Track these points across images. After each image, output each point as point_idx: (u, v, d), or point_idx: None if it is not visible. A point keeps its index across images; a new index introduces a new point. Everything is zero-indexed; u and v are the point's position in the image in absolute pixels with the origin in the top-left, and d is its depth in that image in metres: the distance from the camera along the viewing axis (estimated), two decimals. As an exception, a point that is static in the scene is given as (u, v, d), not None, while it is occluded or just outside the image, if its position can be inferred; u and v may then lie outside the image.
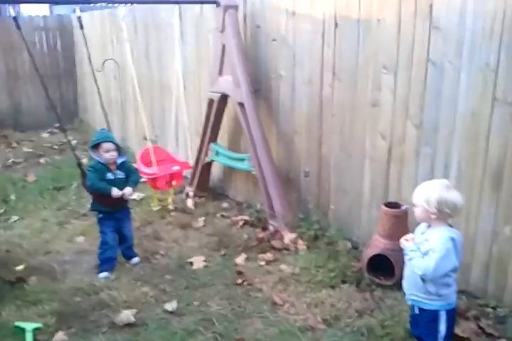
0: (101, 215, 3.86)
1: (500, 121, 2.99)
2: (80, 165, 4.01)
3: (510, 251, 3.04)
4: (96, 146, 3.73)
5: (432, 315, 2.47)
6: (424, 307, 2.49)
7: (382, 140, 3.67)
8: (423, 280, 2.43)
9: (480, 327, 2.88)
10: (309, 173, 4.34)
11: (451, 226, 2.50)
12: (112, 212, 3.83)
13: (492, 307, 3.09)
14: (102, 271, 3.77)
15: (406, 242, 2.49)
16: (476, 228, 3.19)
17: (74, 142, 7.69)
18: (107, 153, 3.70)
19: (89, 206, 5.05)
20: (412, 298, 2.55)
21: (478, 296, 3.22)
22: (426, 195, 2.41)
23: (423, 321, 2.52)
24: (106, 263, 3.82)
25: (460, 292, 3.21)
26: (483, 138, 3.08)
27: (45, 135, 8.57)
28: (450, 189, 2.40)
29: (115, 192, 3.69)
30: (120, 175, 3.81)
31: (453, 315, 2.50)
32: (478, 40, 3.01)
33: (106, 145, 3.70)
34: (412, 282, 2.50)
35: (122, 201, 3.81)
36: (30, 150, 7.64)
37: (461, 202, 2.40)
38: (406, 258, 2.49)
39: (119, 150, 3.80)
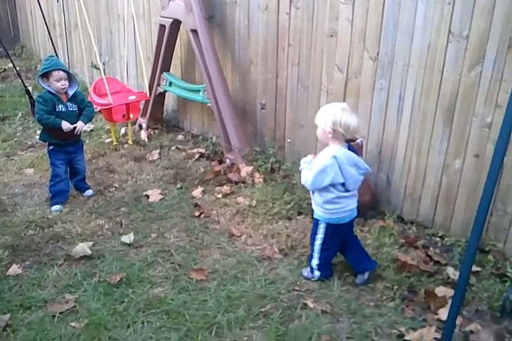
0: (51, 147, 3.71)
1: (454, 55, 2.99)
2: (28, 92, 3.78)
3: (458, 184, 3.17)
4: (46, 75, 3.51)
5: (315, 223, 2.82)
6: (313, 215, 2.84)
7: (339, 72, 3.64)
8: (313, 191, 2.75)
9: (428, 255, 3.04)
10: (266, 105, 4.29)
11: (349, 146, 2.72)
12: (63, 145, 3.70)
13: (440, 237, 3.25)
14: (54, 204, 3.71)
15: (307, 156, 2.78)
16: (427, 161, 3.28)
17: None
18: (58, 82, 3.50)
19: (37, 137, 4.90)
20: (314, 210, 2.84)
21: (427, 226, 3.38)
22: (324, 116, 2.65)
23: (313, 227, 2.87)
24: (58, 195, 3.75)
25: (410, 222, 3.41)
26: (438, 71, 3.10)
27: (-17, 61, 8.02)
28: (346, 111, 2.61)
29: (65, 126, 3.54)
30: (72, 107, 3.64)
31: (335, 230, 2.77)
32: (436, -29, 2.95)
33: (57, 74, 3.49)
34: (314, 202, 2.81)
35: (74, 134, 3.67)
36: (-32, 77, 7.18)
37: (355, 123, 2.60)
38: (300, 168, 2.77)
39: (71, 79, 3.60)
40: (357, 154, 2.73)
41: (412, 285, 2.79)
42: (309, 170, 2.66)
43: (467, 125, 3.04)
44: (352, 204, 2.76)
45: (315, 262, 2.86)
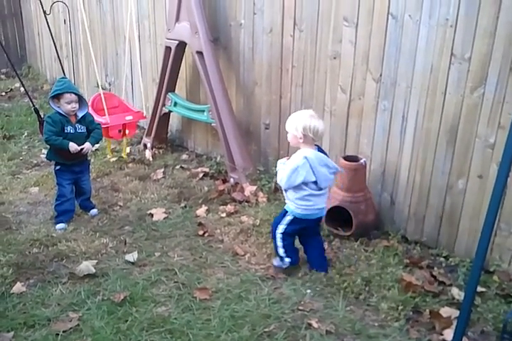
0: (58, 167, 3.74)
1: (457, 77, 3.04)
2: (37, 111, 3.81)
3: (462, 204, 3.18)
4: (57, 96, 3.54)
5: (283, 213, 3.09)
6: (285, 207, 3.09)
7: (342, 93, 3.68)
8: (285, 189, 3.01)
9: (432, 276, 3.03)
10: (270, 126, 4.34)
11: (320, 149, 2.99)
12: (69, 165, 3.72)
13: (444, 257, 3.25)
14: (59, 222, 3.72)
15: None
16: (430, 181, 3.30)
17: (23, 89, 7.33)
18: (69, 105, 3.53)
19: (43, 156, 4.94)
20: (286, 203, 3.10)
21: (431, 246, 3.38)
22: (294, 123, 2.91)
23: (279, 215, 3.15)
24: (63, 214, 3.76)
25: (414, 242, 3.41)
26: (440, 93, 3.14)
27: (-10, 81, 8.12)
28: (314, 118, 2.89)
29: (73, 148, 3.56)
30: (81, 129, 3.67)
31: (298, 221, 3.04)
32: (438, -5, 3.01)
33: (68, 96, 3.52)
34: (288, 198, 3.06)
35: (81, 155, 3.69)
36: (-24, 97, 7.25)
37: (322, 128, 2.91)
38: (276, 169, 3.06)
39: (81, 101, 3.63)
40: (326, 155, 2.98)
41: (416, 305, 2.78)
42: (284, 170, 2.91)
43: (470, 146, 3.07)
44: (321, 203, 3.02)
45: (281, 251, 3.09)
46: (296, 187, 2.91)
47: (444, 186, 3.24)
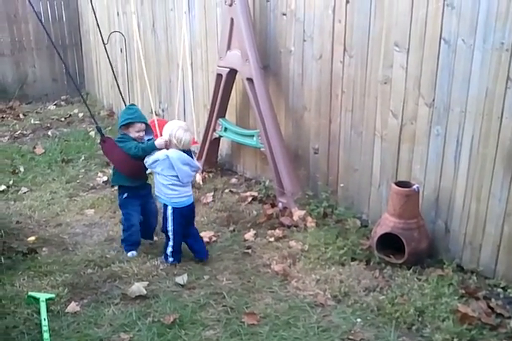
0: (125, 195, 3.70)
1: (514, 102, 2.97)
2: (99, 130, 3.85)
3: (521, 233, 3.07)
4: (126, 124, 3.58)
5: (164, 207, 3.54)
6: (160, 201, 3.59)
7: (394, 118, 3.65)
8: (162, 184, 3.48)
9: (490, 307, 2.91)
10: (318, 150, 4.34)
11: (185, 151, 3.46)
12: (136, 189, 3.70)
13: (502, 288, 3.12)
14: (130, 250, 3.71)
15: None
16: (487, 208, 3.20)
17: (81, 115, 7.71)
18: (137, 133, 3.59)
19: (99, 179, 5.14)
20: (157, 195, 3.59)
21: (488, 276, 3.25)
22: (167, 130, 3.44)
23: (163, 213, 3.59)
24: (133, 245, 3.74)
25: (470, 272, 3.29)
26: (496, 118, 3.06)
27: (51, 107, 8.46)
28: (181, 129, 3.42)
29: (159, 141, 3.47)
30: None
31: (179, 213, 3.51)
32: (492, 19, 2.97)
33: (139, 126, 3.58)
34: (157, 186, 3.56)
35: (144, 174, 3.72)
36: (38, 122, 7.55)
37: (188, 139, 3.43)
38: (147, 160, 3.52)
39: (147, 128, 3.69)
40: (192, 157, 3.52)
41: (473, 338, 2.67)
42: (152, 155, 3.44)
43: (528, 172, 2.97)
44: (187, 191, 3.54)
45: (169, 249, 3.54)
46: (160, 175, 3.45)
47: (501, 214, 3.13)
